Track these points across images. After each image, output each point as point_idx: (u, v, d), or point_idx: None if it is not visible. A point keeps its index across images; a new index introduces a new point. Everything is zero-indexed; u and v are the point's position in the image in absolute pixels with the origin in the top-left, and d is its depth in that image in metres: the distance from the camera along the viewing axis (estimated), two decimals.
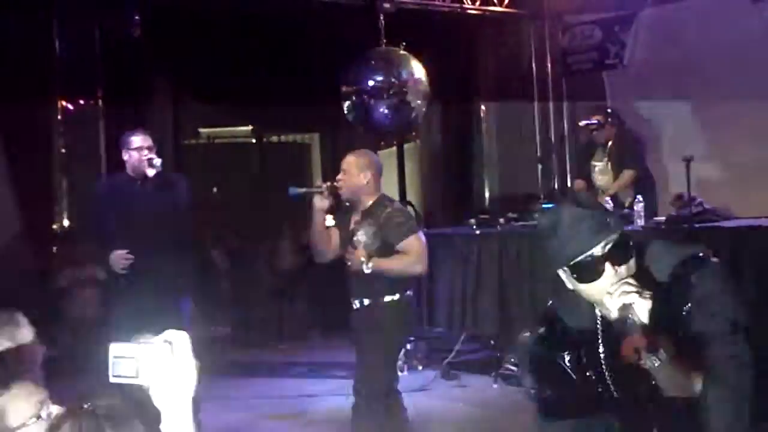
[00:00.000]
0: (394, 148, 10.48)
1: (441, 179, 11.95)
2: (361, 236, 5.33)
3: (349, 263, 5.34)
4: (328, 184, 5.46)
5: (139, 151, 6.10)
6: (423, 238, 5.37)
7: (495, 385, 7.85)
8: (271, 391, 7.97)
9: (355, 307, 5.46)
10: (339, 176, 5.48)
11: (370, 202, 5.41)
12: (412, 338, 8.60)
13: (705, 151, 8.50)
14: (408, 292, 5.37)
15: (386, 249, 5.24)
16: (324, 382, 8.37)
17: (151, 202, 6.11)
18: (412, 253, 5.25)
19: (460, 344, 8.18)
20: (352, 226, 5.45)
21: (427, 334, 8.58)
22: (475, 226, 8.58)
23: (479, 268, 8.12)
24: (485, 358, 8.22)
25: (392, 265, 5.25)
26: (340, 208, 5.59)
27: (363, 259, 5.22)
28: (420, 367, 8.43)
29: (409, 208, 12.10)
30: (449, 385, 7.92)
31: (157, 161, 6.07)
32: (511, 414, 7.24)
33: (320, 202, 5.47)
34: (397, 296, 5.28)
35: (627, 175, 8.49)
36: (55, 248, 9.43)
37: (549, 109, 10.92)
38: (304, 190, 5.71)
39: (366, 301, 5.38)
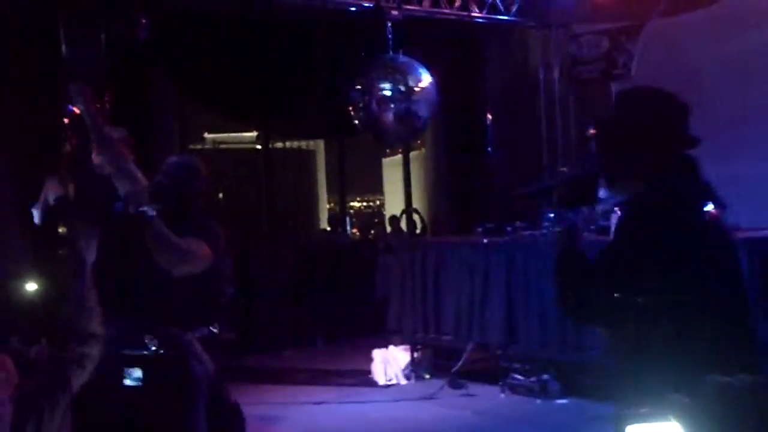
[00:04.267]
0: (401, 156, 10.47)
1: (447, 187, 11.93)
2: None
3: None
4: None
5: None
6: None
7: (502, 395, 7.82)
8: (275, 397, 7.94)
9: None
10: None
11: None
12: (419, 346, 8.58)
13: (710, 162, 8.46)
14: None
15: None
16: (328, 389, 8.35)
17: None
18: None
19: (467, 353, 8.14)
20: None
21: (435, 343, 8.55)
22: (482, 235, 8.56)
23: (487, 277, 8.10)
24: (492, 368, 8.19)
25: None
26: None
27: None
28: (427, 376, 8.42)
29: (415, 215, 12.14)
30: (456, 394, 7.89)
31: None
32: (518, 423, 7.23)
33: None
34: None
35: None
36: (60, 251, 9.39)
37: (556, 118, 10.90)
38: None
39: None
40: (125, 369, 2.18)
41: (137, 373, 2.17)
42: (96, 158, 5.86)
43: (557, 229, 3.14)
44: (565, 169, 3.19)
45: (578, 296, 3.12)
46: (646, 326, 3.02)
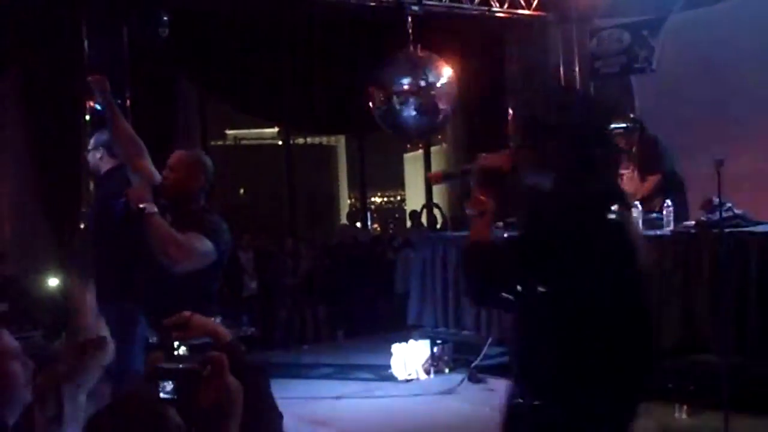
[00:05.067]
0: (422, 151, 10.47)
1: (468, 182, 11.92)
2: None
3: None
4: None
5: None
6: None
7: None
8: (295, 392, 7.97)
9: None
10: None
11: None
12: (439, 341, 8.58)
13: (734, 154, 8.44)
14: None
15: None
16: (348, 384, 8.37)
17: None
18: None
19: (487, 347, 8.14)
20: None
21: (454, 338, 8.55)
22: (503, 230, 8.55)
23: None
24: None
25: None
26: None
27: None
28: (447, 371, 8.42)
29: (436, 210, 12.14)
30: (476, 389, 7.88)
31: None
32: None
33: None
34: None
35: (651, 180, 8.46)
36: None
37: None
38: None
39: None
40: (160, 382, 2.21)
41: (171, 386, 2.20)
42: (105, 160, 5.93)
43: (469, 213, 3.22)
44: (483, 154, 3.32)
45: (484, 281, 3.20)
46: (545, 315, 3.11)
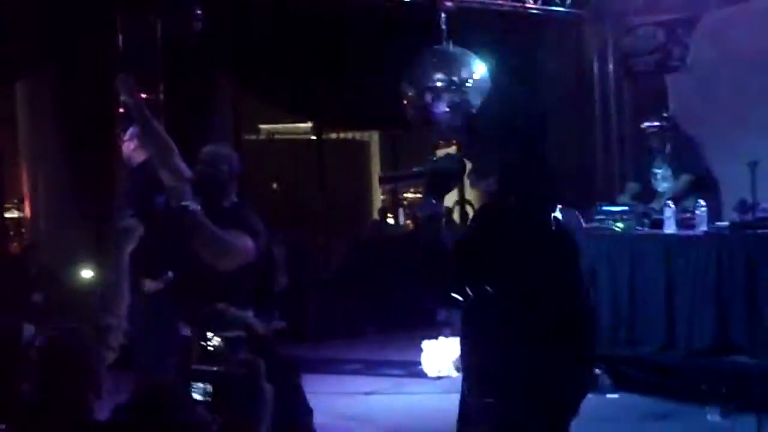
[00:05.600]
0: (454, 147, 10.44)
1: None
2: None
3: None
4: None
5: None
6: None
7: None
8: (326, 387, 7.99)
9: None
10: None
11: None
12: None
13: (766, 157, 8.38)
14: None
15: None
16: (379, 380, 8.37)
17: None
18: None
19: None
20: None
21: None
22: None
23: None
24: None
25: None
26: None
27: None
28: None
29: (468, 207, 12.10)
30: None
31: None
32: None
33: None
34: None
35: (683, 180, 8.42)
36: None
37: (610, 110, 10.82)
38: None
39: None
40: (193, 383, 2.22)
41: (206, 388, 2.21)
42: (138, 151, 5.94)
43: (420, 214, 3.42)
44: (434, 158, 3.58)
45: (436, 284, 3.44)
46: (491, 315, 3.32)
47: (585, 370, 3.46)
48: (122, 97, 5.20)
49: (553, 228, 3.37)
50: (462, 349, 3.55)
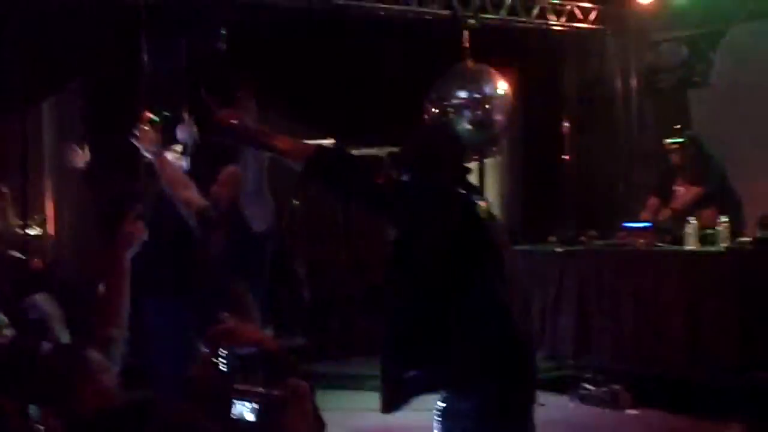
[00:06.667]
0: (476, 164, 10.44)
1: (522, 195, 11.87)
2: None
3: None
4: None
5: None
6: None
7: (572, 404, 7.78)
8: (343, 403, 7.99)
9: None
10: None
11: None
12: None
13: None
14: None
15: None
16: None
17: None
18: None
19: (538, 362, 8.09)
20: None
21: None
22: (555, 244, 8.53)
23: (560, 286, 8.07)
24: (563, 377, 8.14)
25: None
26: None
27: None
28: None
29: None
30: None
31: None
32: None
33: None
34: None
35: (691, 191, 8.36)
36: None
37: (633, 126, 10.80)
38: None
39: None
40: (235, 402, 2.23)
41: (252, 408, 2.22)
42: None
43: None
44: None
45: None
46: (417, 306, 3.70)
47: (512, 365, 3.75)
48: (143, 148, 5.35)
49: (475, 223, 3.68)
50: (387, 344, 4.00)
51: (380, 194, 3.63)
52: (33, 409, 2.20)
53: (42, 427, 2.17)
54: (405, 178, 3.69)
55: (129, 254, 3.65)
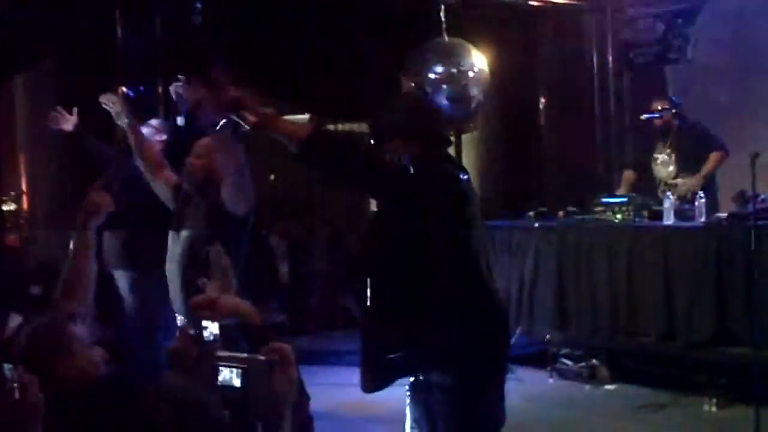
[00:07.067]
0: (453, 139, 10.43)
1: (499, 171, 11.87)
2: None
3: None
4: None
5: None
6: None
7: (551, 380, 7.82)
8: (323, 378, 7.99)
9: None
10: None
11: None
12: None
13: None
14: None
15: None
16: None
17: None
18: None
19: (515, 338, 8.13)
20: None
21: None
22: (533, 220, 8.53)
23: (537, 262, 8.08)
24: (540, 353, 8.17)
25: None
26: None
27: None
28: None
29: None
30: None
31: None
32: (566, 409, 7.22)
33: None
34: None
35: (714, 158, 8.32)
36: None
37: (610, 102, 10.81)
38: None
39: None
40: (221, 368, 2.20)
41: (235, 374, 2.19)
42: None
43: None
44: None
45: None
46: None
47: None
48: (115, 115, 5.34)
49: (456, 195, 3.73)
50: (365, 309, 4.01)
51: (383, 174, 3.62)
52: (7, 369, 2.16)
53: (16, 385, 2.14)
54: (405, 160, 3.69)
55: (94, 225, 3.57)
